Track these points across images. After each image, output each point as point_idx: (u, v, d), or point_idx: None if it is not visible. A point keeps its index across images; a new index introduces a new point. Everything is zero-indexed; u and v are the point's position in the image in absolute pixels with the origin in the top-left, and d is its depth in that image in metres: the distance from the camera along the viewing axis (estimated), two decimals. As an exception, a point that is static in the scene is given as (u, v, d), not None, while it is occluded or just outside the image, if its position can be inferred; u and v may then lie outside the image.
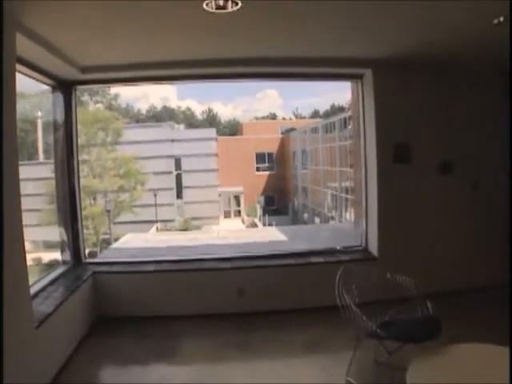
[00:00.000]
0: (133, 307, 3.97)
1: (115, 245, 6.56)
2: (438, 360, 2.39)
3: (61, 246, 4.25)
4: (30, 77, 3.42)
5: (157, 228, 23.49)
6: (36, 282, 3.44)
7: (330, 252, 4.63)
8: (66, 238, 4.18)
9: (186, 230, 26.60)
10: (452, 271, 4.25)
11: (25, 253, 2.57)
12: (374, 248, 4.48)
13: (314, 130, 29.15)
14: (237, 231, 7.72)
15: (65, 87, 4.03)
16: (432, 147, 4.36)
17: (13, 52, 2.53)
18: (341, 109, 49.22)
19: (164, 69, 3.89)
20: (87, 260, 4.27)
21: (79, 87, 4.19)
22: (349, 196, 21.64)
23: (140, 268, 4.10)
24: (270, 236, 6.92)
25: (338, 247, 4.75)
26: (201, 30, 2.99)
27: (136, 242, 6.74)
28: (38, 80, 3.59)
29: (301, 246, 5.87)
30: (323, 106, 56.94)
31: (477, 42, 3.49)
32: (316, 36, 3.34)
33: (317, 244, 6.10)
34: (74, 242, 4.19)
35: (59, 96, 4.06)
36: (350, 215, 21.71)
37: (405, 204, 4.34)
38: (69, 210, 4.18)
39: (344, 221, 22.90)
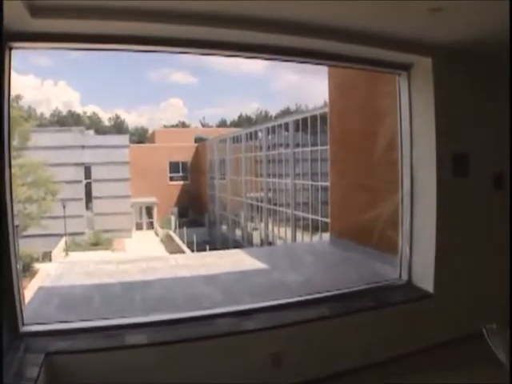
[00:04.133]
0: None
1: (47, 282, 4.71)
2: None
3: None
4: None
5: (66, 242, 21.20)
6: None
7: (365, 292, 3.58)
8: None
9: (96, 244, 24.86)
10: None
11: None
12: (424, 282, 3.54)
13: (236, 139, 28.43)
14: (197, 257, 6.31)
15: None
16: (488, 158, 3.58)
17: None
18: (248, 119, 50.21)
19: (151, 21, 2.41)
20: (27, 328, 2.60)
21: (17, 47, 2.54)
22: (278, 208, 21.05)
23: (122, 340, 2.56)
24: (243, 263, 5.66)
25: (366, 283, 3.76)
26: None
27: (74, 275, 4.98)
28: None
29: (294, 277, 4.76)
30: (230, 116, 57.37)
31: None
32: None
33: (309, 273, 5.02)
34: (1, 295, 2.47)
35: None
36: (277, 227, 21.12)
37: (465, 225, 3.49)
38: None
39: (271, 233, 22.25)
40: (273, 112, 53.08)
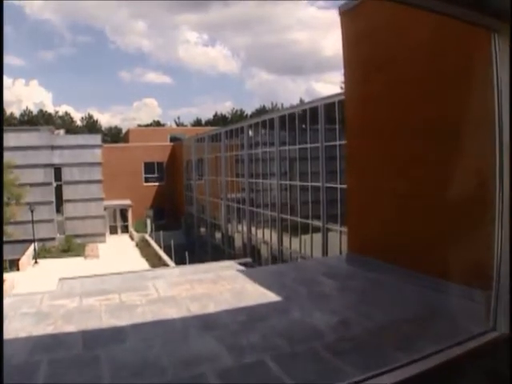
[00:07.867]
0: None
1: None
2: None
3: None
4: None
5: (34, 249, 20.29)
6: None
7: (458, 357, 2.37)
8: None
9: (68, 250, 23.83)
10: None
11: None
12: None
13: (215, 138, 27.07)
14: (183, 281, 4.97)
15: None
16: None
17: None
18: (224, 118, 49.18)
19: None
20: None
21: None
22: (262, 210, 19.84)
23: None
24: (246, 292, 4.38)
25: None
26: None
27: (20, 318, 3.60)
28: None
29: (323, 317, 3.59)
30: (205, 116, 56.25)
31: None
32: None
33: (340, 309, 3.84)
34: None
35: None
36: (261, 230, 19.93)
37: None
38: None
39: (255, 236, 21.05)
40: (248, 111, 52.42)
